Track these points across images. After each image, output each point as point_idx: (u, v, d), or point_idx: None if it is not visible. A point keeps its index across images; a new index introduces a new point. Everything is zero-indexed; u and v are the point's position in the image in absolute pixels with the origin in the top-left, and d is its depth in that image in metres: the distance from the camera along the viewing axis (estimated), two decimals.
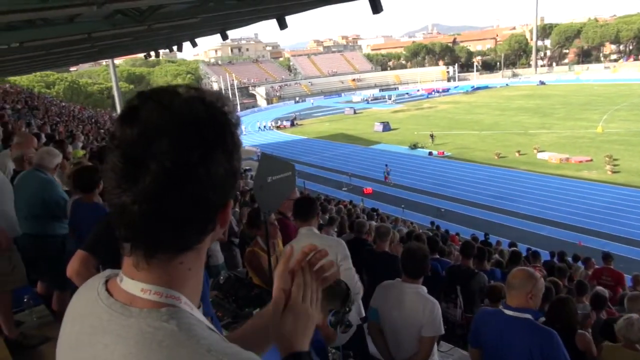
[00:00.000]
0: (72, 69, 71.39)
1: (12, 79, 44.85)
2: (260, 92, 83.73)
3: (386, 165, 28.34)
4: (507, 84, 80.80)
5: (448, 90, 79.54)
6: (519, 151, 30.91)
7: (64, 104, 37.32)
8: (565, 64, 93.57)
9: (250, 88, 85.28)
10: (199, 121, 0.71)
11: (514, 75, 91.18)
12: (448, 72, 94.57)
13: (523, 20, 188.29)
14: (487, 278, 5.24)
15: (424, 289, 3.28)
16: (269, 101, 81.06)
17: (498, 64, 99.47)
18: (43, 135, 10.65)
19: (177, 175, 0.68)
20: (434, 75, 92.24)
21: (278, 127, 54.03)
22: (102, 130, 25.52)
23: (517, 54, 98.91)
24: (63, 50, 16.49)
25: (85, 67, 73.48)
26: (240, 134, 0.78)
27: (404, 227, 12.61)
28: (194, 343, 0.69)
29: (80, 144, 11.19)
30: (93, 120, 30.68)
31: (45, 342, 3.58)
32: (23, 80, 53.82)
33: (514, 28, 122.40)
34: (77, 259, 2.45)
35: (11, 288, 3.49)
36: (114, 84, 60.63)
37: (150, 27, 10.50)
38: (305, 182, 26.06)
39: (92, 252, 2.59)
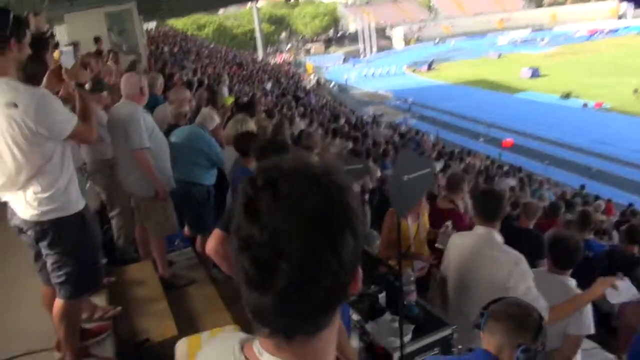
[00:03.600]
0: (219, 12, 75.75)
1: (169, 22, 49.34)
2: (397, 33, 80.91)
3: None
4: None
5: (617, 30, 68.27)
6: None
7: (212, 46, 40.04)
8: None
9: (387, 29, 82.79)
10: (322, 213, 0.69)
11: None
12: (619, 8, 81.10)
13: None
14: None
15: (573, 282, 2.94)
16: (407, 42, 78.22)
17: None
18: (195, 80, 11.63)
19: (310, 270, 0.68)
20: (600, 12, 79.34)
21: (413, 71, 52.01)
22: (245, 72, 27.01)
23: None
24: None
25: (231, 10, 77.45)
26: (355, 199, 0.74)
27: (547, 192, 11.43)
28: None
29: (226, 87, 11.94)
30: (237, 61, 32.56)
31: (192, 284, 3.96)
32: (178, 23, 58.86)
33: None
34: (214, 237, 2.53)
35: (165, 235, 3.88)
36: (256, 27, 63.56)
37: None
38: (439, 131, 24.93)
39: (228, 231, 2.62)
